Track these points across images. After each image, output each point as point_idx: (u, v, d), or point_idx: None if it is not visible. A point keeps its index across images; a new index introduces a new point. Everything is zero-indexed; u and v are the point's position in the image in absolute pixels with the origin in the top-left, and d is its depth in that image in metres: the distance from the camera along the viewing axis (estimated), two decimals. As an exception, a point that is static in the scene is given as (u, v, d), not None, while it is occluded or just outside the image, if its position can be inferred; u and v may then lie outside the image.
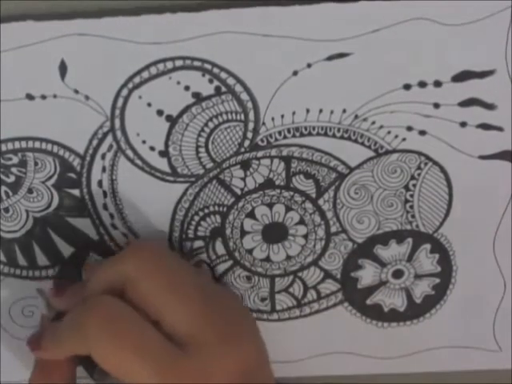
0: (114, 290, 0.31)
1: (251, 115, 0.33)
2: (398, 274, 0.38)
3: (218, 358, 0.30)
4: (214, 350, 0.30)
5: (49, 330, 0.33)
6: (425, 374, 0.40)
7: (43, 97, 0.33)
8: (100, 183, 0.35)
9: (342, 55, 0.32)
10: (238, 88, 0.33)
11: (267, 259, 0.37)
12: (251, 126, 0.34)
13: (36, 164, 0.35)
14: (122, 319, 0.30)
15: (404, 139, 0.34)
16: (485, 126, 0.33)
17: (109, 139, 0.34)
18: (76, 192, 0.35)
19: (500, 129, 0.33)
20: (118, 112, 0.33)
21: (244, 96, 0.33)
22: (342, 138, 0.34)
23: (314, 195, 0.35)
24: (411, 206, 0.35)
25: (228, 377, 0.30)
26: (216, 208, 0.36)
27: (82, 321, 0.30)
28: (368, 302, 0.38)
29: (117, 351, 0.29)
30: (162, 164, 0.34)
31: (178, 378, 0.29)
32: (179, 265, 0.33)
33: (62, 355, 0.32)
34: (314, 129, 0.34)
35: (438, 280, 0.38)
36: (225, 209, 0.36)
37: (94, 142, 0.34)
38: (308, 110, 0.33)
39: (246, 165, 0.35)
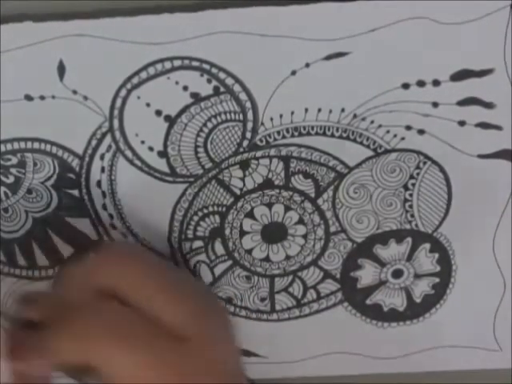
0: (99, 295, 0.30)
1: (250, 115, 0.33)
2: (397, 274, 0.37)
3: (210, 355, 0.30)
4: (207, 347, 0.30)
5: (31, 341, 0.29)
6: (425, 373, 0.40)
7: (42, 97, 0.33)
8: (99, 183, 0.35)
9: (340, 54, 0.32)
10: (237, 88, 0.33)
11: (267, 259, 0.37)
12: (250, 125, 0.34)
13: (35, 164, 0.35)
14: (127, 325, 0.29)
15: (403, 138, 0.34)
16: (484, 125, 0.33)
17: (107, 139, 0.34)
18: (75, 192, 0.35)
19: (499, 128, 0.33)
20: (116, 112, 0.33)
21: (243, 96, 0.33)
22: (340, 137, 0.34)
23: (313, 195, 0.35)
24: (410, 206, 0.35)
25: (215, 378, 0.30)
26: (215, 208, 0.36)
27: (82, 329, 0.29)
28: (368, 301, 0.38)
29: (127, 357, 0.28)
30: (160, 164, 0.34)
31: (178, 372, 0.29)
32: (159, 264, 0.33)
33: (48, 366, 0.29)
34: (312, 128, 0.34)
35: (437, 279, 0.37)
36: (224, 209, 0.36)
37: (93, 143, 0.34)
38: (307, 110, 0.33)
39: (244, 165, 0.35)
